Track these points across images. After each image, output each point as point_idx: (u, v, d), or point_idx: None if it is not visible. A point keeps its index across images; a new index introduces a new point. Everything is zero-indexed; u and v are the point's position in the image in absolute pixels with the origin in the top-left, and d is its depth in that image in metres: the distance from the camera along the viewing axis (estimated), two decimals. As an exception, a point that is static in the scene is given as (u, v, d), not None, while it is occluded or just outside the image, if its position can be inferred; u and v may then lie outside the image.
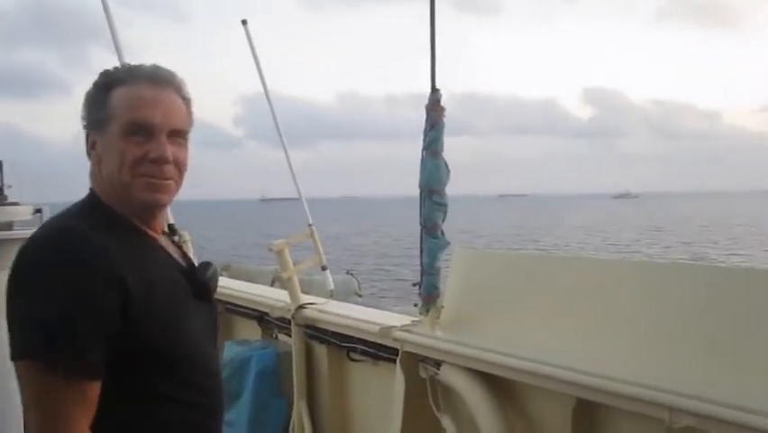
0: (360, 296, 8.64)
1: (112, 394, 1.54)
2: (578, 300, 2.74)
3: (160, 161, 1.66)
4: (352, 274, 9.29)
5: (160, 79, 1.71)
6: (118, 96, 1.67)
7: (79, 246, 1.54)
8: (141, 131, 1.65)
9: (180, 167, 1.72)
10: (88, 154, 1.72)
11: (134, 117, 1.65)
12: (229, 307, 5.11)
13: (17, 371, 1.52)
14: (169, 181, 1.70)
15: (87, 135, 1.72)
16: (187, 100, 1.76)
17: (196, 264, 1.82)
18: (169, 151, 1.67)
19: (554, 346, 2.67)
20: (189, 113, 1.77)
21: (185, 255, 1.84)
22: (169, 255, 1.78)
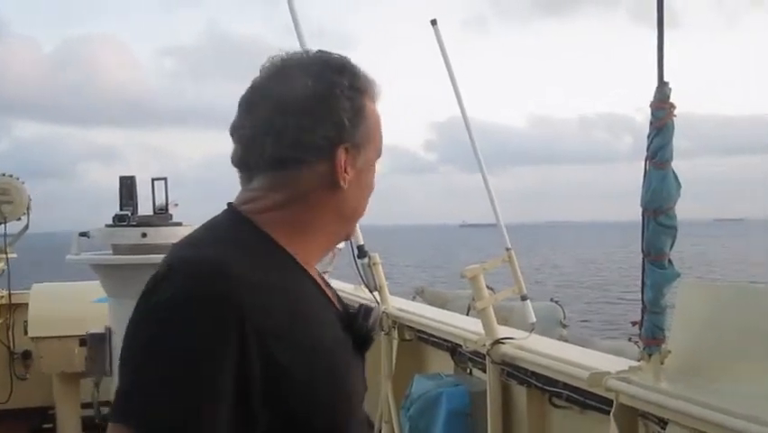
0: (565, 326, 8.05)
1: None
2: None
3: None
4: (556, 302, 8.72)
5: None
6: (373, 111, 1.35)
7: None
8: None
9: None
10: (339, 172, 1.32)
11: (382, 144, 1.38)
12: (421, 336, 4.89)
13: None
14: None
15: (327, 145, 1.29)
16: None
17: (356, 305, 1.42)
18: None
19: None
20: None
21: (335, 294, 1.44)
22: (329, 299, 1.39)
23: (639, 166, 2.69)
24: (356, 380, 1.37)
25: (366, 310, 1.38)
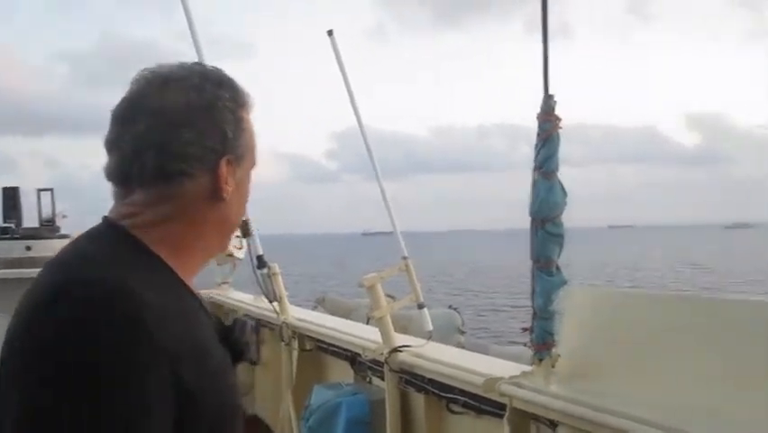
0: (463, 333, 8.16)
1: None
2: (733, 349, 2.29)
3: None
4: (455, 309, 8.83)
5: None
6: (250, 123, 1.34)
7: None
8: None
9: None
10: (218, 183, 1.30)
11: (256, 155, 1.37)
12: (321, 345, 4.88)
13: None
14: None
15: (212, 157, 1.27)
16: None
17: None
18: None
19: (700, 407, 2.25)
20: None
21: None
22: (208, 314, 1.36)
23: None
24: (239, 395, 1.36)
25: (242, 325, 1.39)
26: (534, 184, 2.69)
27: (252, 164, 1.35)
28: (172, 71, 1.29)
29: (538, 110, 2.66)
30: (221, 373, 1.23)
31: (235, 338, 1.37)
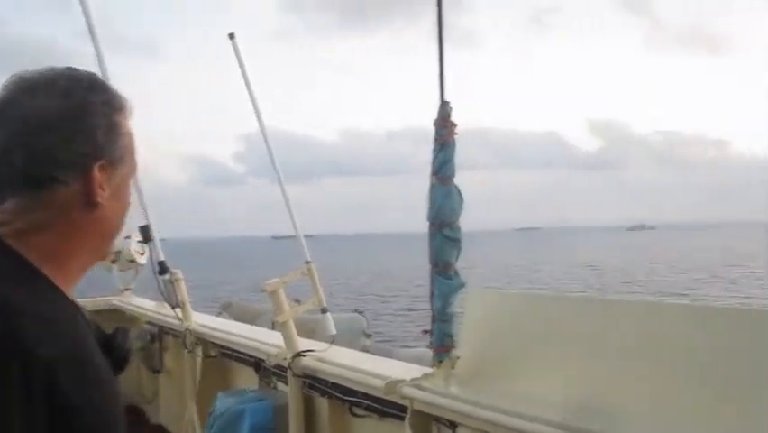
0: (369, 336, 8.18)
1: None
2: (623, 348, 2.40)
3: None
4: (360, 313, 8.85)
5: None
6: (127, 128, 1.30)
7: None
8: None
9: None
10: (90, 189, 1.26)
11: (136, 161, 1.33)
12: (225, 352, 4.82)
13: None
14: None
15: (83, 162, 1.23)
16: None
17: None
18: None
19: (594, 406, 2.34)
20: None
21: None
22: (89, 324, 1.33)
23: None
24: (121, 404, 1.33)
25: (123, 332, 1.35)
26: (432, 189, 2.73)
27: (132, 169, 1.32)
28: (41, 76, 1.25)
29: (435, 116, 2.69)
30: (103, 383, 1.20)
31: (117, 346, 1.33)
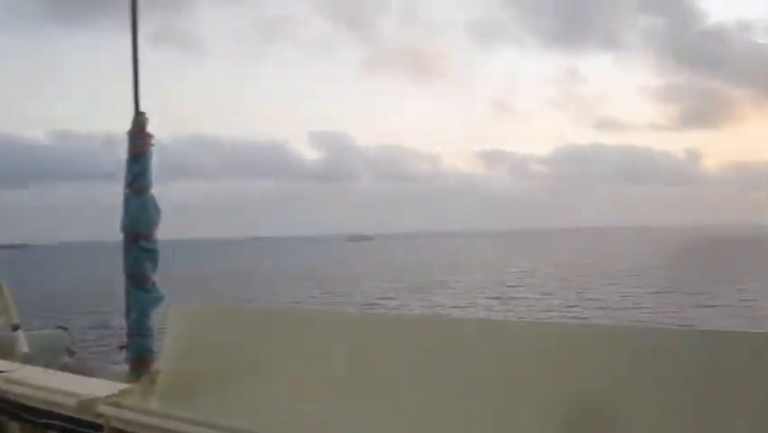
0: (73, 353, 7.62)
1: None
2: (333, 359, 2.48)
3: None
4: (64, 328, 8.20)
5: None
6: None
7: None
8: None
9: None
10: None
11: None
12: None
13: None
14: None
15: None
16: None
17: None
18: None
19: (302, 414, 2.38)
20: None
21: None
22: None
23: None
24: None
25: None
26: (126, 200, 2.64)
27: None
28: None
29: (129, 127, 2.61)
30: None
31: None
